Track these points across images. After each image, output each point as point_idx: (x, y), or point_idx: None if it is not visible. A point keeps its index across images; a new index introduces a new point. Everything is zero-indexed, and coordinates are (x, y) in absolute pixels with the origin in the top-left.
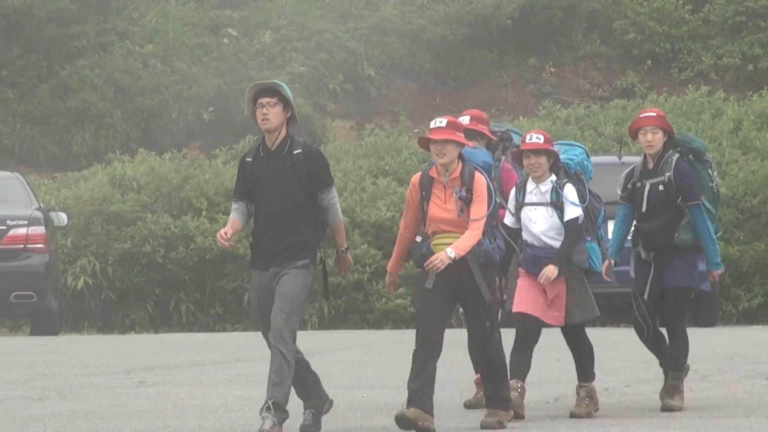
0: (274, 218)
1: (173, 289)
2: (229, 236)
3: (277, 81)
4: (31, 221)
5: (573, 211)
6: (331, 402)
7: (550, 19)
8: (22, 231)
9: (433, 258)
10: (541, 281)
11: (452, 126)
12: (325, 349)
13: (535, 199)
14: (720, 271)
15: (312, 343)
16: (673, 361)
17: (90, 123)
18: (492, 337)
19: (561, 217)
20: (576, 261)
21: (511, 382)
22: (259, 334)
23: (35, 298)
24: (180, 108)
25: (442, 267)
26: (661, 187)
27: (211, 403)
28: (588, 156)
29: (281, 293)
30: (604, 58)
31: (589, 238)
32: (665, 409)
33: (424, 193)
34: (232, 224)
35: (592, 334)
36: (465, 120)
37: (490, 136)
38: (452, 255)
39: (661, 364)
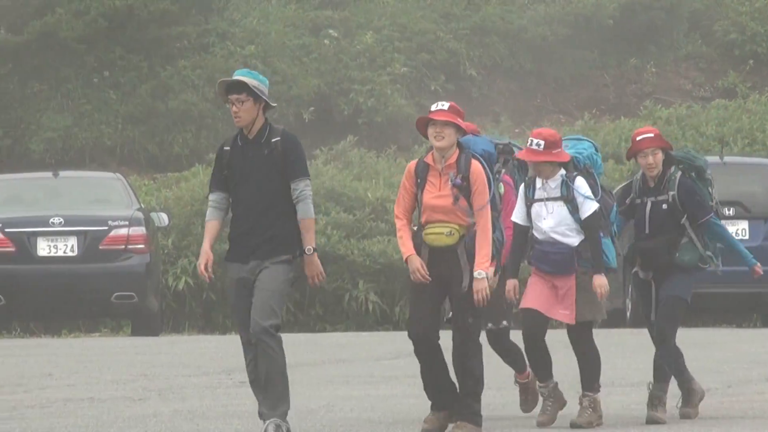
0: (253, 208)
1: None
2: (210, 268)
3: (244, 72)
4: (132, 222)
5: (589, 206)
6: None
7: (652, 19)
8: (123, 232)
9: (476, 293)
10: (602, 295)
11: (454, 110)
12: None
13: (545, 195)
14: (759, 265)
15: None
16: (660, 371)
17: (191, 124)
18: (473, 336)
19: (572, 211)
20: (588, 258)
21: (540, 387)
22: (359, 334)
23: (136, 299)
24: (280, 108)
25: (486, 292)
26: (664, 206)
27: (312, 404)
28: (597, 151)
29: (262, 288)
30: (705, 58)
31: (601, 234)
32: (648, 422)
33: (419, 181)
34: (210, 234)
35: (693, 334)
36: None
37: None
38: (482, 276)
39: (654, 378)
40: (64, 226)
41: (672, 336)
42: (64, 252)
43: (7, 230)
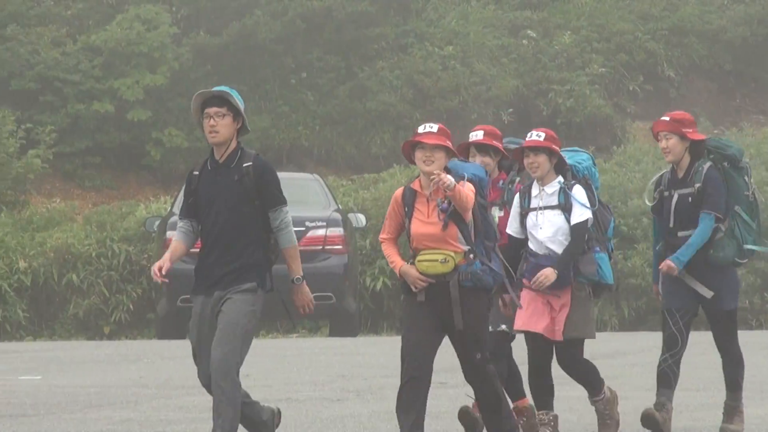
0: (219, 238)
1: None
2: (164, 272)
3: (226, 88)
4: (330, 222)
5: (582, 213)
6: (279, 411)
7: None
8: (321, 232)
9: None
10: (534, 285)
11: (443, 133)
12: (625, 350)
13: (541, 203)
14: (672, 265)
15: (612, 344)
16: (731, 382)
17: (389, 124)
18: (485, 371)
19: (569, 220)
20: (585, 272)
21: (539, 415)
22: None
23: (334, 300)
24: (479, 109)
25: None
26: (690, 199)
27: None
28: (594, 163)
29: (224, 321)
30: None
31: (598, 249)
32: None
33: (406, 209)
34: (173, 251)
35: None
36: (478, 135)
37: (504, 152)
38: (451, 185)
39: (660, 389)
40: None
41: (736, 347)
42: None
43: None
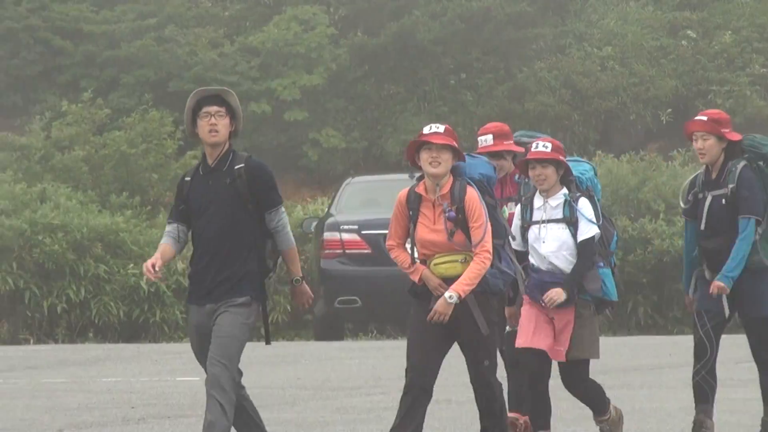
0: (210, 245)
1: (631, 292)
2: (158, 268)
3: (225, 88)
4: None
5: (589, 228)
6: None
7: None
8: None
9: (432, 313)
10: (545, 303)
11: (450, 134)
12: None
13: (544, 216)
14: (722, 285)
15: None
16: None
17: (547, 125)
18: (492, 378)
19: (574, 234)
20: (590, 289)
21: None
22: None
23: None
24: (638, 110)
25: (446, 316)
26: (723, 201)
27: (670, 407)
28: (596, 174)
29: (218, 335)
30: None
31: (602, 264)
32: None
33: (411, 213)
34: (162, 252)
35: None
36: (487, 139)
37: (516, 149)
38: (453, 300)
39: (698, 404)
40: None
41: None
42: None
43: (363, 232)
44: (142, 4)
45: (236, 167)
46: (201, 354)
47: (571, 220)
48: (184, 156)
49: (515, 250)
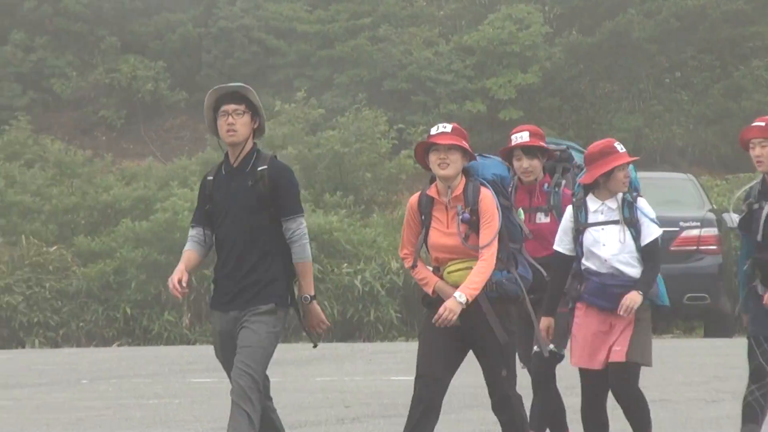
0: (233, 249)
1: None
2: (185, 283)
3: (243, 84)
4: (704, 223)
5: (653, 230)
6: None
7: None
8: (695, 233)
9: (440, 311)
10: (622, 312)
11: (459, 133)
12: None
13: (602, 218)
14: None
15: None
16: None
17: None
18: (511, 390)
19: (636, 236)
20: (650, 293)
21: None
22: None
23: (708, 300)
24: None
25: (455, 318)
26: None
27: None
28: (635, 170)
29: (244, 345)
30: None
31: None
32: None
33: (423, 217)
34: (186, 261)
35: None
36: (523, 136)
37: (552, 153)
38: (462, 300)
39: (745, 424)
40: None
41: None
42: None
43: None
44: (357, 4)
45: (259, 168)
46: (226, 361)
47: (631, 221)
48: (398, 155)
49: (564, 254)
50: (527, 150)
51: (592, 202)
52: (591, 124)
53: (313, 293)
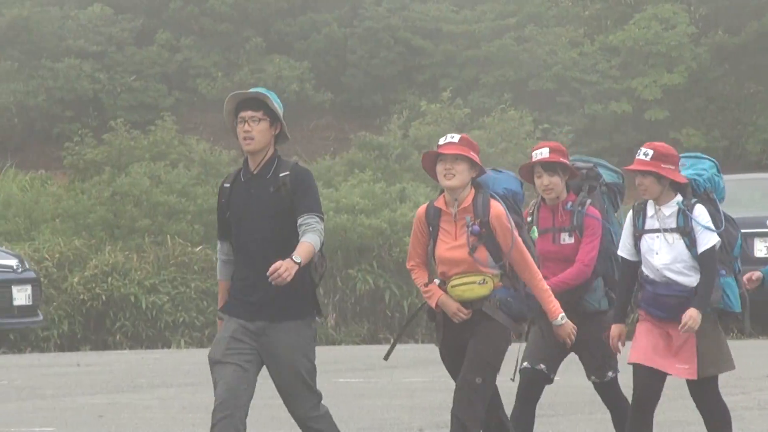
0: (256, 257)
1: None
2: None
3: (262, 90)
4: None
5: (708, 238)
6: None
7: None
8: None
9: (566, 337)
10: (683, 331)
11: (467, 143)
12: None
13: (656, 225)
14: None
15: None
16: None
17: None
18: (475, 395)
19: (690, 245)
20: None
21: None
22: None
23: None
24: None
25: (573, 335)
26: None
27: None
28: (719, 171)
29: (282, 371)
30: None
31: (723, 272)
32: None
33: (431, 229)
34: (223, 295)
35: None
36: (543, 152)
37: (574, 170)
38: (564, 318)
39: None
40: None
41: None
42: None
43: None
44: (503, 4)
45: (281, 175)
46: (221, 366)
47: (685, 230)
48: None
49: (628, 260)
50: (547, 166)
51: (650, 208)
52: (736, 125)
53: (303, 260)
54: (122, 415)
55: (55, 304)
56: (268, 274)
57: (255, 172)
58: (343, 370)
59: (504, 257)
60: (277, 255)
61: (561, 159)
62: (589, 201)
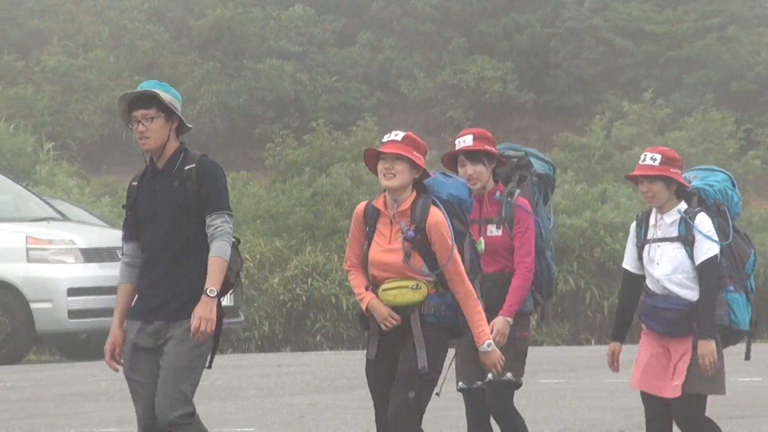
0: (159, 256)
1: None
2: (119, 356)
3: (152, 84)
4: None
5: (708, 247)
6: None
7: None
8: None
9: (491, 367)
10: (706, 366)
11: (411, 142)
12: None
13: (659, 234)
14: None
15: None
16: None
17: None
18: (408, 410)
19: (691, 255)
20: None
21: None
22: None
23: None
24: None
25: (501, 362)
26: None
27: None
28: (734, 184)
29: (168, 368)
30: None
31: (731, 288)
32: None
33: (367, 229)
34: (122, 305)
35: None
36: (467, 140)
37: (501, 158)
38: (490, 346)
39: None
40: None
41: None
42: None
43: None
44: (705, 4)
45: (186, 168)
46: (135, 382)
47: (687, 239)
48: (745, 155)
49: (632, 273)
50: (471, 155)
51: (653, 217)
52: None
53: (218, 289)
54: (323, 416)
55: (255, 305)
56: (191, 337)
57: (161, 168)
58: (545, 371)
59: (440, 267)
60: (181, 254)
61: (486, 147)
62: (518, 191)
